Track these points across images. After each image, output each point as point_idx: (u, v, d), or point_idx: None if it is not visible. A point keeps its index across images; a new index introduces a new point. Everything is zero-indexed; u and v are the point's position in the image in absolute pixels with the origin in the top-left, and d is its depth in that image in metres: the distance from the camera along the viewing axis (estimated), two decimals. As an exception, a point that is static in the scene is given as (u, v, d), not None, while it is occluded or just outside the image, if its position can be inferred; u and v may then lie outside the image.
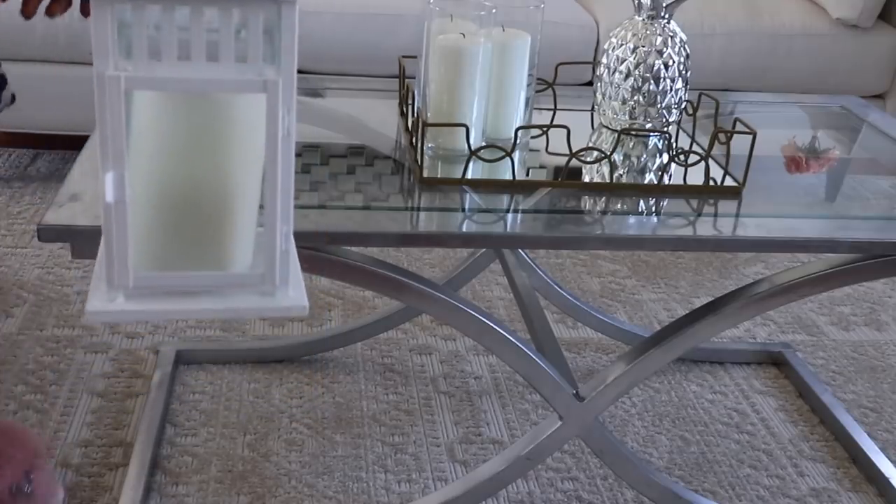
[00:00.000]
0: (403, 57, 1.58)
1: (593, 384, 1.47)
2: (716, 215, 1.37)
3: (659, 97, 1.50)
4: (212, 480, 1.63)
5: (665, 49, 1.49)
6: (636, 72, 1.49)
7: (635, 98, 1.50)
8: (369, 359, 1.99)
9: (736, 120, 1.45)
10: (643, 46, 1.49)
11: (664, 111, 1.51)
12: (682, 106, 1.55)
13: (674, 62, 1.49)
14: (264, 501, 1.60)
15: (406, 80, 1.56)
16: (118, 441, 1.70)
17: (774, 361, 2.09)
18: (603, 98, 1.55)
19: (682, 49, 1.51)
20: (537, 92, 1.56)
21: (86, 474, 1.62)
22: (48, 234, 1.16)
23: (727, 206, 1.39)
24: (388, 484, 1.66)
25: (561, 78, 1.63)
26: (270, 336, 2.04)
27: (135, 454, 1.64)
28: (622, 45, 1.51)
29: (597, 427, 1.49)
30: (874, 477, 1.75)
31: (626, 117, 1.52)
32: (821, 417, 1.91)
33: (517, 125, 1.45)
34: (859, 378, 2.06)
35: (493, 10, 1.37)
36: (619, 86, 1.52)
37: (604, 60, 1.54)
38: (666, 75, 1.49)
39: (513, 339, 1.41)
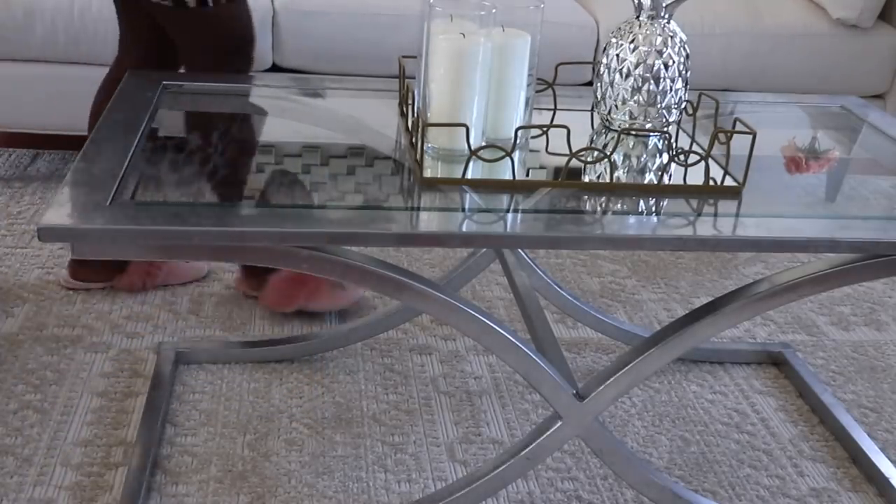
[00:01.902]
0: (403, 57, 1.58)
1: (593, 384, 1.47)
2: (716, 215, 1.37)
3: (659, 97, 1.50)
4: (212, 480, 1.63)
5: (665, 49, 1.49)
6: (636, 72, 1.49)
7: (635, 98, 1.50)
8: (369, 359, 1.99)
9: (736, 120, 1.45)
10: (643, 46, 1.49)
11: (664, 111, 1.51)
12: (682, 106, 1.55)
13: (674, 62, 1.49)
14: (264, 501, 1.60)
15: (406, 80, 1.56)
16: (118, 441, 1.70)
17: (774, 361, 2.09)
18: (602, 98, 1.55)
19: (681, 49, 1.51)
20: (537, 92, 1.56)
21: (86, 474, 1.62)
22: (48, 234, 1.16)
23: (727, 206, 1.39)
24: (388, 484, 1.66)
25: (561, 78, 1.63)
26: (270, 336, 2.04)
27: (135, 454, 1.64)
28: (622, 45, 1.51)
29: (597, 427, 1.49)
30: (874, 477, 1.75)
31: (626, 117, 1.52)
32: (821, 417, 1.91)
33: (517, 125, 1.45)
34: (859, 378, 2.06)
35: (493, 10, 1.37)
36: (618, 86, 1.51)
37: (604, 60, 1.54)
38: (666, 75, 1.49)
39: (513, 339, 1.41)
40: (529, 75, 1.48)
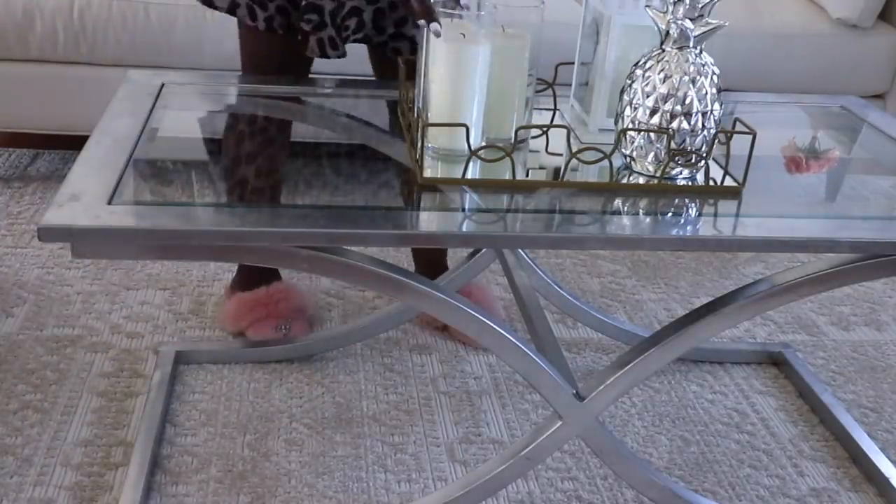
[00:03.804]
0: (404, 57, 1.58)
1: (593, 384, 1.48)
2: (716, 215, 1.37)
3: (688, 139, 1.38)
4: (212, 480, 1.63)
5: (698, 79, 1.36)
6: (665, 106, 1.35)
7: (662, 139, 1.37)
8: (369, 359, 1.99)
9: (736, 120, 1.45)
10: (675, 76, 1.35)
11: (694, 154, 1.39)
12: (712, 145, 1.42)
13: (707, 95, 1.36)
14: (264, 501, 1.60)
15: (406, 81, 1.56)
16: (118, 441, 1.70)
17: (774, 361, 2.09)
18: (624, 136, 1.41)
19: (713, 80, 1.38)
20: (537, 92, 1.56)
21: (86, 474, 1.62)
22: (48, 234, 1.16)
23: (727, 206, 1.39)
24: (388, 484, 1.66)
25: (561, 78, 1.63)
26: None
27: (135, 454, 1.64)
28: (648, 76, 1.37)
29: (597, 427, 1.49)
30: (874, 477, 1.75)
31: (651, 164, 1.40)
32: (821, 417, 1.91)
33: (517, 125, 1.45)
34: (859, 378, 2.06)
35: (494, 10, 1.37)
36: (643, 122, 1.38)
37: (625, 97, 1.40)
38: (699, 109, 1.37)
39: (513, 339, 1.41)
40: (529, 75, 1.48)
